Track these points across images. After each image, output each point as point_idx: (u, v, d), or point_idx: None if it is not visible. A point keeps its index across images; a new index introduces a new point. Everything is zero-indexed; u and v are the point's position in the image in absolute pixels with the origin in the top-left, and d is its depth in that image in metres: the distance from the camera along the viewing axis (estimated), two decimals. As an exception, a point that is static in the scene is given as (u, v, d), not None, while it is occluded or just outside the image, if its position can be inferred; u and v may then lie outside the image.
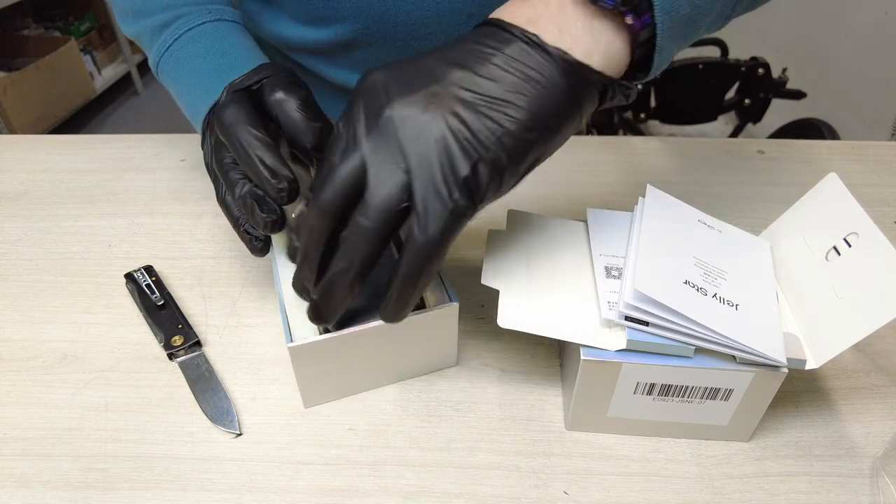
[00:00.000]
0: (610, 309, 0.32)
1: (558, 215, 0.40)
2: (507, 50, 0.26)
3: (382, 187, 0.26)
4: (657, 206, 0.36)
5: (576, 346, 0.32)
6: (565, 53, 0.26)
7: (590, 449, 0.34)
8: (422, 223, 0.26)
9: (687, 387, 0.32)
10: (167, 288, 0.43)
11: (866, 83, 1.60)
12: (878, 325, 0.28)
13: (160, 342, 0.40)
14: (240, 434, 0.35)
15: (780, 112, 1.66)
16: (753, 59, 1.52)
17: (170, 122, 2.34)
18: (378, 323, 0.33)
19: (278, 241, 0.39)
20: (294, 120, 0.34)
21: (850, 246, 0.32)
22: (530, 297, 0.33)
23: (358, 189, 0.27)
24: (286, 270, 0.36)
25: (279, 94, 0.34)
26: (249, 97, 0.35)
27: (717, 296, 0.32)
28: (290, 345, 0.32)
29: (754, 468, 0.33)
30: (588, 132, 0.73)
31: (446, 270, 0.46)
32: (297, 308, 0.34)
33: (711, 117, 1.63)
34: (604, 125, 1.66)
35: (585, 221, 0.39)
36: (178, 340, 0.39)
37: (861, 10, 1.58)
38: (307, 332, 0.33)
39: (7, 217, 0.52)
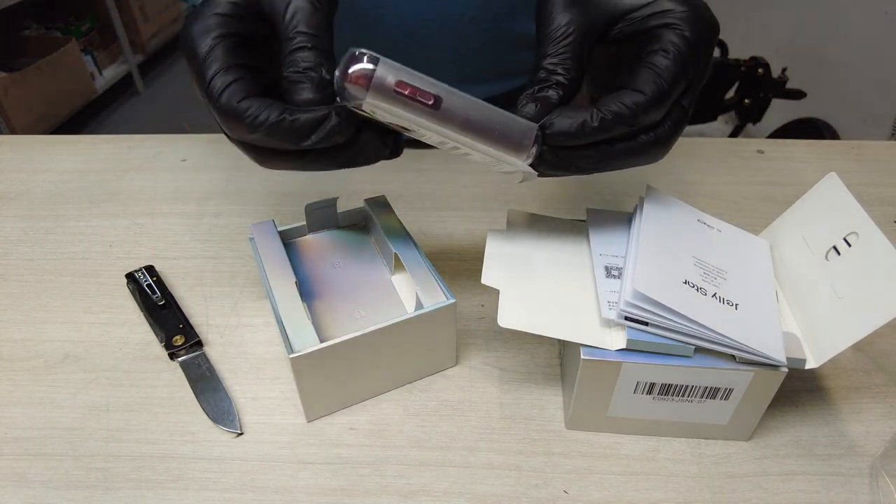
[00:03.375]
0: (610, 309, 0.32)
1: (558, 215, 0.40)
2: None
3: None
4: (657, 206, 0.37)
5: (576, 346, 0.32)
6: None
7: (590, 448, 0.34)
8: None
9: (687, 386, 0.32)
10: (168, 288, 0.44)
11: (866, 83, 1.60)
12: (877, 324, 0.28)
13: (161, 342, 0.40)
14: (241, 433, 0.35)
15: (780, 112, 1.66)
16: (753, 58, 1.52)
17: (170, 123, 2.34)
18: (377, 326, 0.33)
19: (267, 259, 0.39)
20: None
21: (850, 246, 0.32)
22: (530, 297, 0.33)
23: None
24: (277, 282, 0.36)
25: None
26: None
27: (717, 295, 0.32)
28: (293, 355, 0.32)
29: (754, 467, 0.34)
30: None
31: (445, 269, 0.46)
32: (294, 318, 0.34)
33: (711, 117, 1.63)
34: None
35: (585, 221, 0.39)
36: (179, 340, 0.39)
37: (861, 10, 1.58)
38: (306, 341, 0.33)
39: (8, 217, 0.52)
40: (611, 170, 0.31)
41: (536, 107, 0.30)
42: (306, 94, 0.28)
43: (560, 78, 0.30)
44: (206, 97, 0.29)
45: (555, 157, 0.30)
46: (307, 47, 0.28)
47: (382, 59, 0.27)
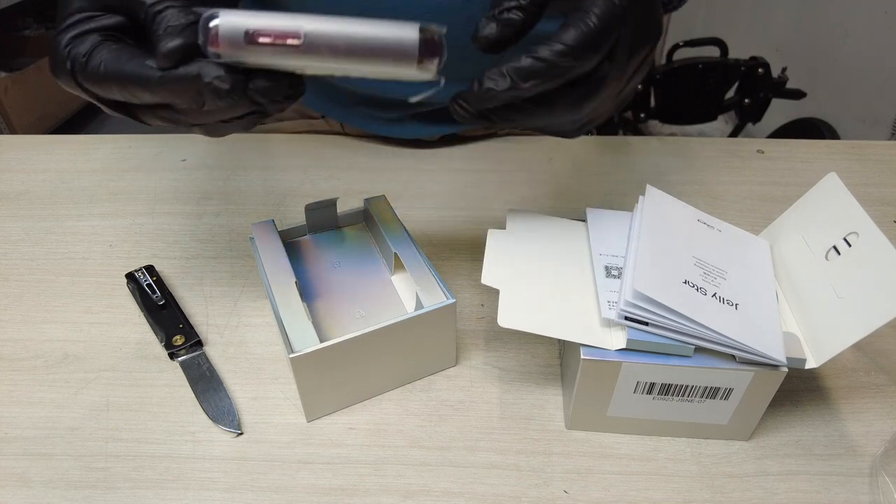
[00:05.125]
0: (610, 308, 0.32)
1: (558, 215, 0.40)
2: None
3: None
4: (657, 205, 0.37)
5: (576, 346, 0.32)
6: None
7: (590, 448, 0.34)
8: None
9: (687, 386, 0.32)
10: (168, 287, 0.44)
11: (866, 83, 1.60)
12: (878, 324, 0.28)
13: (161, 342, 0.40)
14: (241, 433, 0.35)
15: (780, 112, 1.66)
16: (753, 58, 1.52)
17: (170, 123, 2.34)
18: (377, 326, 0.33)
19: (267, 259, 0.39)
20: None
21: (850, 246, 0.32)
22: (530, 297, 0.33)
23: None
24: (277, 282, 0.36)
25: None
26: None
27: (717, 295, 0.32)
28: (293, 355, 0.32)
29: (754, 467, 0.34)
30: (588, 132, 0.73)
31: (445, 269, 0.46)
32: (294, 318, 0.34)
33: (711, 117, 1.63)
34: (604, 125, 1.66)
35: (585, 221, 0.39)
36: (179, 340, 0.39)
37: (861, 10, 1.58)
38: (306, 341, 0.33)
39: (8, 217, 0.52)
40: (528, 124, 0.31)
41: (498, 27, 0.28)
42: (168, 43, 0.26)
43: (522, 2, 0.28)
44: (86, 77, 0.28)
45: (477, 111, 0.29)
46: (161, 10, 0.27)
47: (224, 11, 0.26)
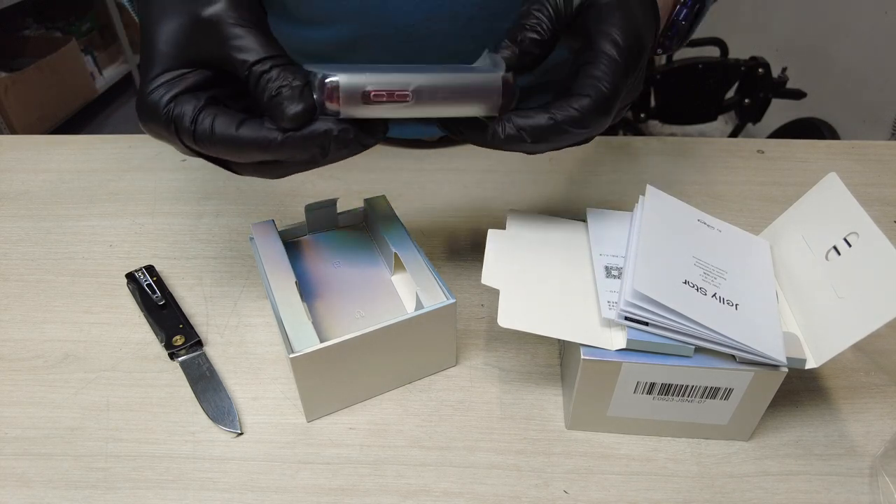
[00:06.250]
0: (610, 309, 0.32)
1: (558, 215, 0.40)
2: None
3: None
4: (657, 205, 0.37)
5: (576, 346, 0.32)
6: None
7: (590, 448, 0.34)
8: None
9: (687, 386, 0.32)
10: (168, 288, 0.44)
11: (866, 83, 1.60)
12: (878, 324, 0.28)
13: (161, 342, 0.40)
14: (241, 433, 0.35)
15: (780, 112, 1.66)
16: (753, 58, 1.52)
17: (170, 123, 2.34)
18: (377, 326, 0.33)
19: (267, 259, 0.39)
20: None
21: (850, 246, 0.32)
22: (530, 297, 0.33)
23: None
24: (277, 282, 0.36)
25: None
26: None
27: (717, 295, 0.32)
28: (293, 355, 0.32)
29: (754, 467, 0.34)
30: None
31: (445, 269, 0.46)
32: (294, 318, 0.34)
33: (711, 117, 1.63)
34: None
35: (585, 221, 0.39)
36: (179, 340, 0.39)
37: (861, 10, 1.58)
38: (306, 341, 0.33)
39: (8, 217, 0.52)
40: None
41: (517, 54, 0.31)
42: (293, 108, 0.28)
43: (540, 26, 0.32)
44: (196, 141, 0.29)
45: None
46: (267, 70, 0.28)
47: (337, 70, 0.28)
